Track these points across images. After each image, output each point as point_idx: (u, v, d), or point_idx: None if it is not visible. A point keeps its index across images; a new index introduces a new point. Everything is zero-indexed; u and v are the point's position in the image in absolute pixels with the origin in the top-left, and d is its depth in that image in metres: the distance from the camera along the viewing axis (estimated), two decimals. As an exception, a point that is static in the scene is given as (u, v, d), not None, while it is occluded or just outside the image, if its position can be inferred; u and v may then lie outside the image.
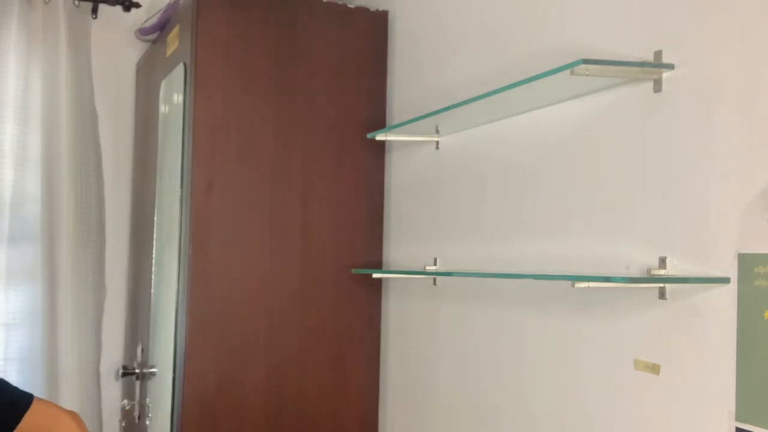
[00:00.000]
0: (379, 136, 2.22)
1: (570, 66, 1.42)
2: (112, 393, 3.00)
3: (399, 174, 2.40)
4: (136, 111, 3.07)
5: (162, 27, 2.68)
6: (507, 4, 1.90)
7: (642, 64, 1.44)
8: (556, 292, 1.69)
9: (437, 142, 2.17)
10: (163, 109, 2.59)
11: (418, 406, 2.25)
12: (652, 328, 1.44)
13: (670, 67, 1.41)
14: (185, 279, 2.24)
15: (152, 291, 2.62)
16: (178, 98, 2.37)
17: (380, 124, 2.41)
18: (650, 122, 1.46)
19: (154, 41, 2.85)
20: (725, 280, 1.29)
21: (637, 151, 1.49)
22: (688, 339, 1.36)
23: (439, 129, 2.12)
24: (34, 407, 1.58)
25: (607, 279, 1.38)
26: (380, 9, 2.46)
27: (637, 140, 1.49)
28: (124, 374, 2.74)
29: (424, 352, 2.23)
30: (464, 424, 2.03)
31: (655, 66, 1.43)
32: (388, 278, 2.40)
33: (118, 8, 2.98)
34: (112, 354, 3.02)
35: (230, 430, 2.24)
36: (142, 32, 2.86)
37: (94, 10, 2.94)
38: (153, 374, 2.56)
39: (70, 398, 2.82)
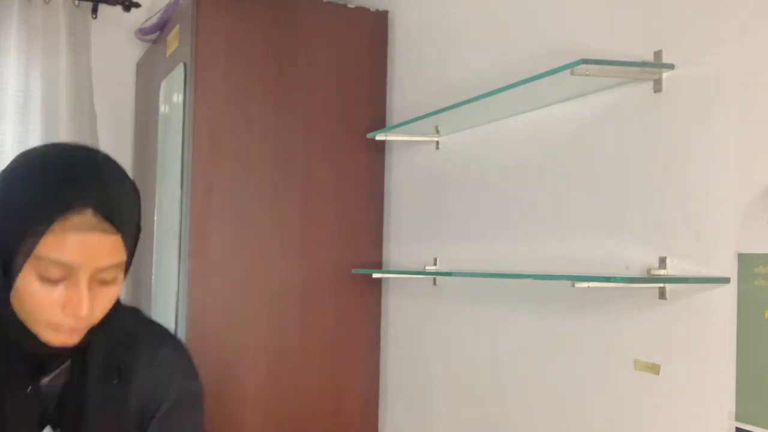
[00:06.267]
0: (379, 136, 2.22)
1: (570, 66, 1.42)
2: (112, 393, 2.99)
3: (399, 174, 2.40)
4: (136, 111, 3.07)
5: (162, 27, 2.68)
6: (507, 4, 1.90)
7: (642, 64, 1.44)
8: (556, 292, 1.69)
9: (437, 142, 2.17)
10: (163, 109, 2.59)
11: (418, 406, 2.25)
12: (652, 328, 1.44)
13: (670, 67, 1.41)
14: (185, 279, 2.23)
15: (152, 291, 2.62)
16: (178, 98, 2.37)
17: (380, 124, 2.41)
18: (650, 122, 1.46)
19: (154, 41, 2.84)
20: (725, 280, 1.29)
21: (637, 151, 1.49)
22: (688, 339, 1.36)
23: (439, 129, 2.12)
24: None
25: (607, 279, 1.38)
26: (380, 9, 2.46)
27: (637, 140, 1.49)
28: (124, 374, 2.72)
29: (424, 352, 2.23)
30: (464, 424, 2.03)
31: (655, 66, 1.42)
32: (388, 278, 2.40)
33: (118, 8, 2.98)
34: (112, 354, 3.01)
35: (230, 430, 2.24)
36: (142, 32, 2.86)
37: (94, 10, 2.94)
38: (153, 374, 2.56)
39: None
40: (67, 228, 1.01)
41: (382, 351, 2.44)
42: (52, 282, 1.03)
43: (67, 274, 1.03)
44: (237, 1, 2.29)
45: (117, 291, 1.09)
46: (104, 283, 1.06)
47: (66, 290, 1.03)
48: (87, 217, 1.02)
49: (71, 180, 1.04)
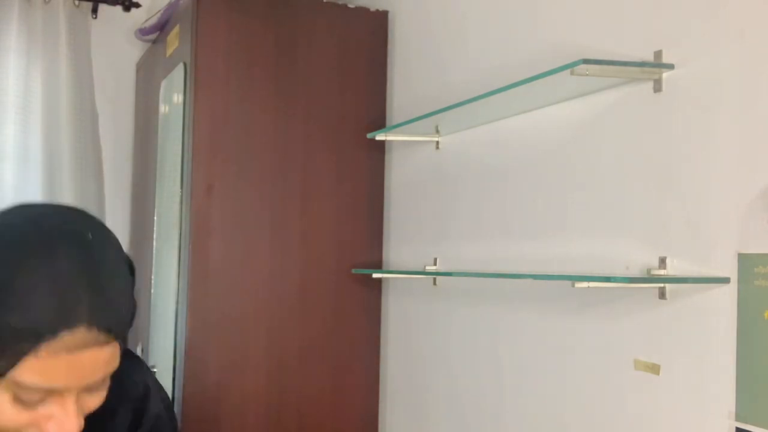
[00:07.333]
0: (379, 136, 2.22)
1: (570, 66, 1.42)
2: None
3: (399, 174, 2.40)
4: (136, 111, 3.07)
5: (162, 27, 2.68)
6: (507, 4, 1.90)
7: (642, 64, 1.44)
8: (556, 292, 1.69)
9: (437, 142, 2.17)
10: (163, 109, 2.59)
11: (418, 406, 2.25)
12: (652, 328, 1.44)
13: (670, 67, 1.41)
14: (185, 279, 2.23)
15: (152, 291, 2.62)
16: (178, 98, 2.37)
17: (380, 124, 2.41)
18: (650, 122, 1.46)
19: (154, 41, 2.84)
20: (725, 280, 1.29)
21: (637, 151, 1.49)
22: (688, 339, 1.36)
23: (439, 129, 2.12)
24: None
25: (607, 279, 1.38)
26: (380, 9, 2.46)
27: (637, 140, 1.49)
28: (124, 374, 2.72)
29: (424, 352, 2.23)
30: (464, 424, 2.03)
31: (655, 66, 1.42)
32: (388, 278, 2.40)
33: (118, 8, 2.98)
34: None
35: (230, 430, 2.24)
36: (142, 32, 2.86)
37: (94, 10, 2.94)
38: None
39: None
40: (55, 350, 0.82)
41: (382, 351, 2.44)
42: (30, 404, 0.85)
43: (49, 395, 0.86)
44: (237, 1, 2.29)
45: (106, 390, 0.92)
46: (93, 389, 0.89)
47: (47, 406, 0.86)
48: (79, 334, 0.83)
49: (60, 294, 0.82)
